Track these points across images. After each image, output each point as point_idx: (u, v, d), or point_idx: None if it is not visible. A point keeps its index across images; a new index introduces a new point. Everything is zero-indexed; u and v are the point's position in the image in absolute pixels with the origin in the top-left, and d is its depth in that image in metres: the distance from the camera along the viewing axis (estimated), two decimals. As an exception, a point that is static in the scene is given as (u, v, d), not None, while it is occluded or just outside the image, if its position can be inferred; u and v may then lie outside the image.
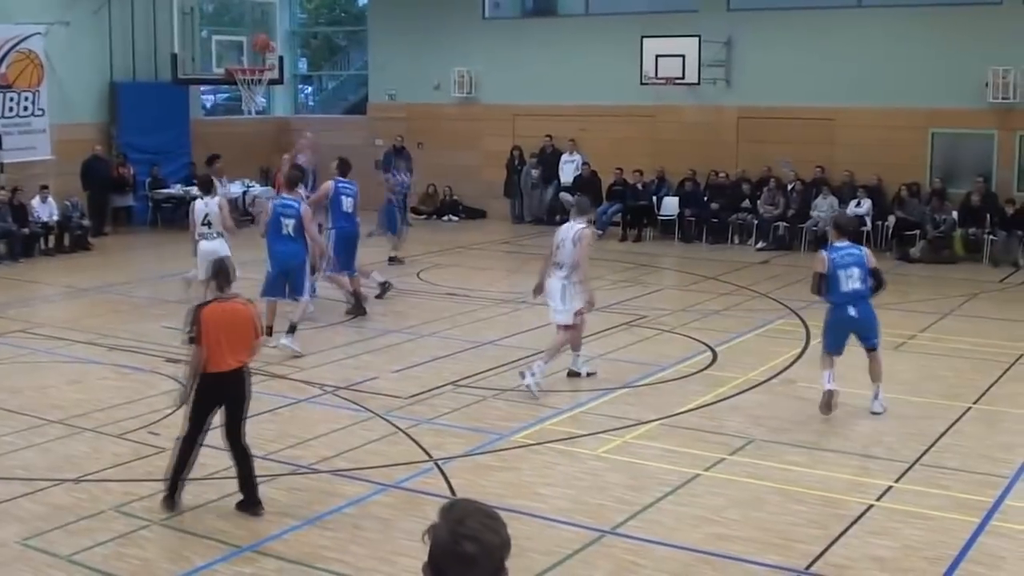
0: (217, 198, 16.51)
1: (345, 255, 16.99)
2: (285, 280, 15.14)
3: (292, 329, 14.85)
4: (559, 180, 27.85)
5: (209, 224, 15.75)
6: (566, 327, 13.44)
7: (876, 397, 12.46)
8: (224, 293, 9.53)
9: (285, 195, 15.80)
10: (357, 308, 17.03)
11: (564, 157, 27.93)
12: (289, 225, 15.05)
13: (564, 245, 13.33)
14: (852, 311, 12.12)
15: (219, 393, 9.39)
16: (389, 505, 9.75)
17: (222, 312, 9.33)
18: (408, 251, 22.48)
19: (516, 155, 28.51)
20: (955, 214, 23.09)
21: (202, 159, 28.21)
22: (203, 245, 15.64)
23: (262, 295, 14.95)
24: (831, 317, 12.33)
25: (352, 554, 8.68)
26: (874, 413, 12.36)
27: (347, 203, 16.99)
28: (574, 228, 13.37)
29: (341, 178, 17.15)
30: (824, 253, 12.40)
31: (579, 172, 27.46)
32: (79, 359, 14.92)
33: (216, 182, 18.45)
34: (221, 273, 9.59)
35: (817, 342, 15.28)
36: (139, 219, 27.38)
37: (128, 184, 26.91)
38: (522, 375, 12.96)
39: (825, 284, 12.14)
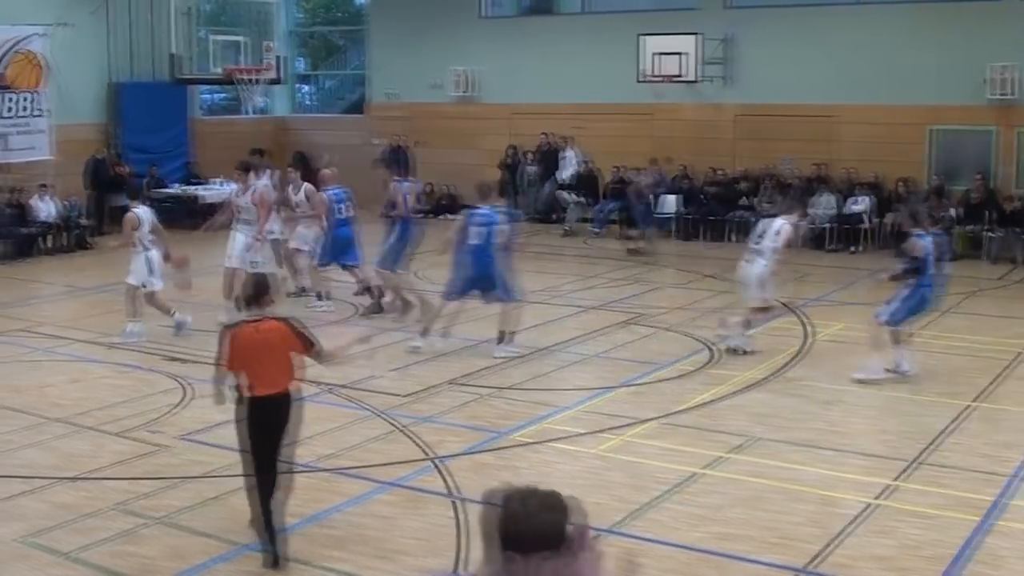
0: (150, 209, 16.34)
1: (337, 253, 17.72)
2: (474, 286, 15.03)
3: (507, 338, 14.92)
4: (555, 177, 27.92)
5: (154, 232, 15.68)
6: (759, 309, 14.90)
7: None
8: (258, 312, 8.57)
9: (485, 206, 15.04)
10: (375, 307, 17.45)
11: (563, 153, 27.98)
12: (483, 234, 14.64)
13: (767, 236, 14.65)
14: (937, 291, 13.62)
15: (266, 419, 8.50)
16: (390, 503, 9.75)
17: (253, 334, 8.43)
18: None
19: (510, 153, 28.50)
20: (953, 212, 23.09)
21: (202, 158, 28.36)
22: (155, 254, 15.58)
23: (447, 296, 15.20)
24: (921, 296, 13.47)
25: (353, 552, 8.69)
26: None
27: (342, 208, 17.72)
28: (778, 222, 14.75)
29: (333, 187, 17.87)
30: (921, 240, 13.41)
31: (578, 169, 27.52)
32: (79, 358, 14.93)
33: (253, 174, 17.89)
34: (259, 289, 8.66)
35: (818, 340, 15.36)
36: (138, 218, 27.35)
37: (125, 183, 26.87)
38: (733, 351, 14.72)
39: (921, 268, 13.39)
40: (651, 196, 24.73)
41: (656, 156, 25.35)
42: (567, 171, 27.79)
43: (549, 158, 28.12)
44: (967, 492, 9.91)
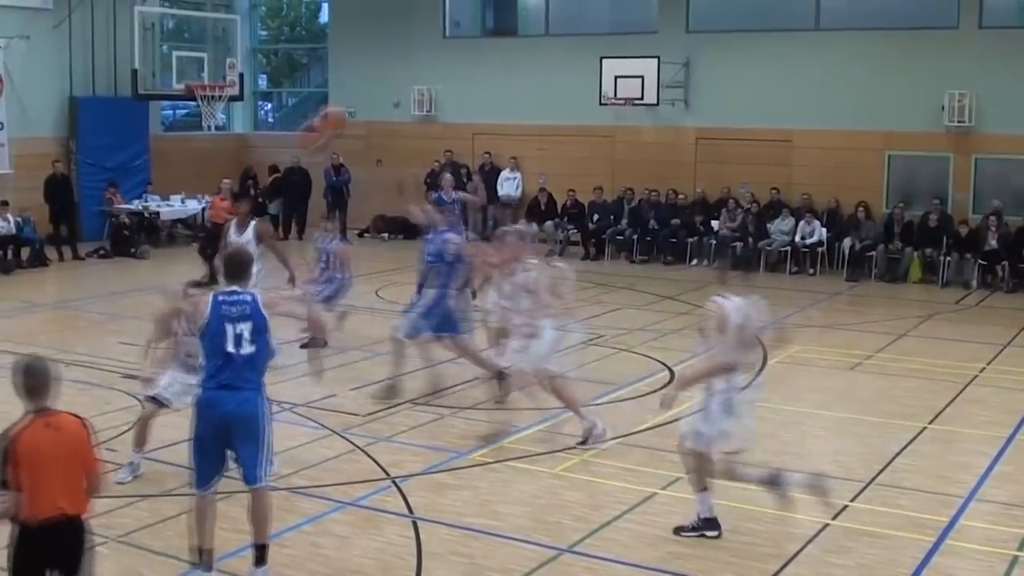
0: None
1: None
2: None
3: None
4: (499, 197, 28.18)
5: None
6: None
7: None
8: (45, 403, 6.62)
9: None
10: None
11: (504, 174, 28.17)
12: None
13: None
14: None
15: (44, 553, 6.48)
16: (347, 523, 9.74)
17: (46, 433, 6.49)
18: (365, 268, 22.43)
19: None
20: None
21: (161, 175, 28.17)
22: None
23: None
24: None
25: (309, 571, 8.67)
26: None
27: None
28: None
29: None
30: None
31: (520, 190, 28.02)
32: (35, 375, 14.77)
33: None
34: (34, 377, 6.65)
35: (772, 362, 15.44)
36: (96, 235, 27.06)
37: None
38: None
39: None
40: None
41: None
42: (510, 190, 28.06)
43: (490, 178, 28.29)
44: (921, 513, 10.01)
